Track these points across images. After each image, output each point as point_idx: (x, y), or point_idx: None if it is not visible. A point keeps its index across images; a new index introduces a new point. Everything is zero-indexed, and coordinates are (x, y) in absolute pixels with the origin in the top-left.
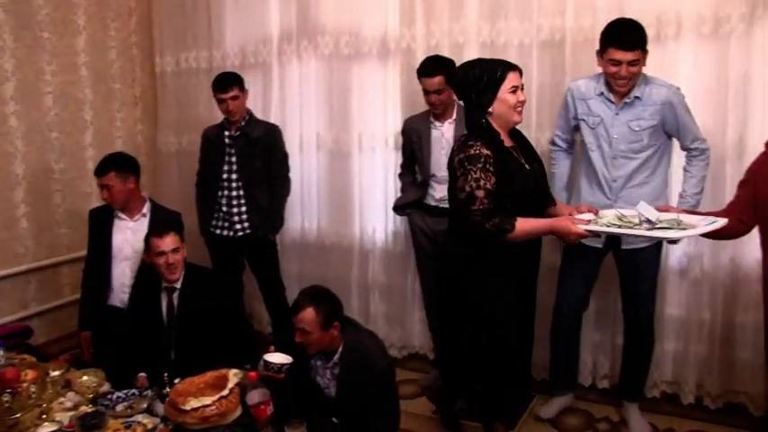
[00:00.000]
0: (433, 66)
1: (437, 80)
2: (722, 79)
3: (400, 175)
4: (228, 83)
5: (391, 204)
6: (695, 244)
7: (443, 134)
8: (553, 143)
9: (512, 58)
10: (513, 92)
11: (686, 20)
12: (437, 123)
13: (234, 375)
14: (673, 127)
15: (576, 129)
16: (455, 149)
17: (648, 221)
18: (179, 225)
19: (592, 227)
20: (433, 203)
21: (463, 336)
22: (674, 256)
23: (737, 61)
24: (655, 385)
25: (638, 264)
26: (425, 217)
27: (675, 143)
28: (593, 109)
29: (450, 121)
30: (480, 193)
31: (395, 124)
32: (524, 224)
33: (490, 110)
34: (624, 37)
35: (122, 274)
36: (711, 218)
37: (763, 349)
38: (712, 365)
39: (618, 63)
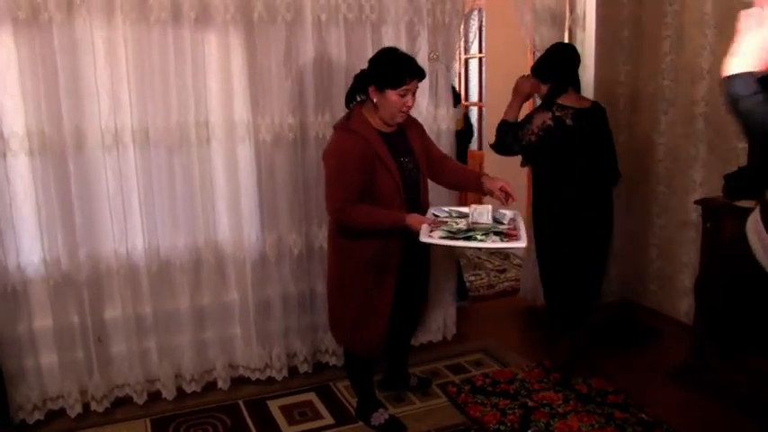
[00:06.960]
0: None
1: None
2: (50, 68)
3: None
4: None
5: None
6: (63, 244)
7: None
8: None
9: None
10: None
11: None
12: None
13: None
14: None
15: None
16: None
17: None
18: None
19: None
20: None
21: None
22: (31, 267)
23: (63, 50)
24: (36, 408)
25: None
26: None
27: None
28: None
29: None
30: None
31: None
32: None
33: None
34: None
35: None
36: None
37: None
38: (92, 367)
39: None
